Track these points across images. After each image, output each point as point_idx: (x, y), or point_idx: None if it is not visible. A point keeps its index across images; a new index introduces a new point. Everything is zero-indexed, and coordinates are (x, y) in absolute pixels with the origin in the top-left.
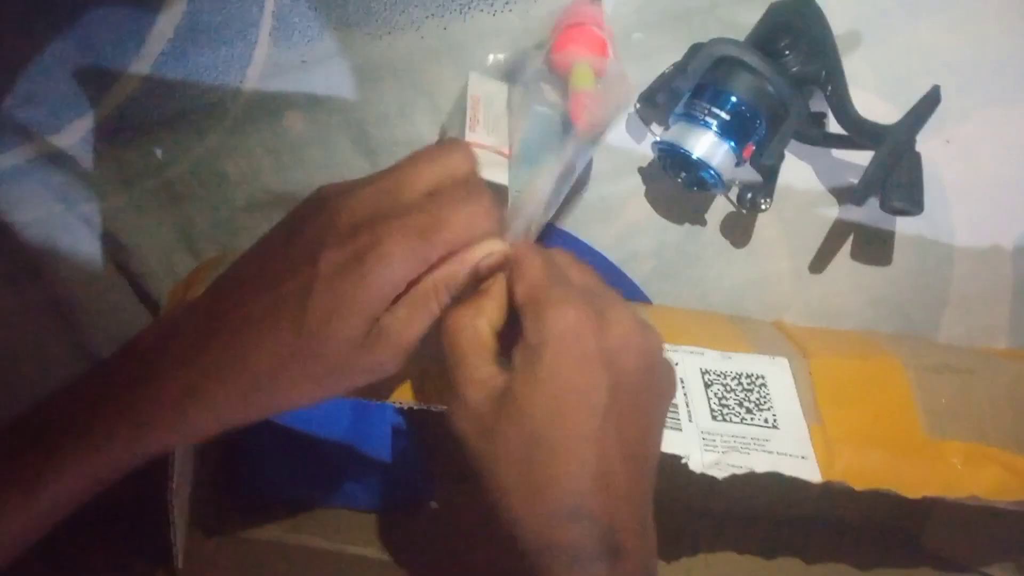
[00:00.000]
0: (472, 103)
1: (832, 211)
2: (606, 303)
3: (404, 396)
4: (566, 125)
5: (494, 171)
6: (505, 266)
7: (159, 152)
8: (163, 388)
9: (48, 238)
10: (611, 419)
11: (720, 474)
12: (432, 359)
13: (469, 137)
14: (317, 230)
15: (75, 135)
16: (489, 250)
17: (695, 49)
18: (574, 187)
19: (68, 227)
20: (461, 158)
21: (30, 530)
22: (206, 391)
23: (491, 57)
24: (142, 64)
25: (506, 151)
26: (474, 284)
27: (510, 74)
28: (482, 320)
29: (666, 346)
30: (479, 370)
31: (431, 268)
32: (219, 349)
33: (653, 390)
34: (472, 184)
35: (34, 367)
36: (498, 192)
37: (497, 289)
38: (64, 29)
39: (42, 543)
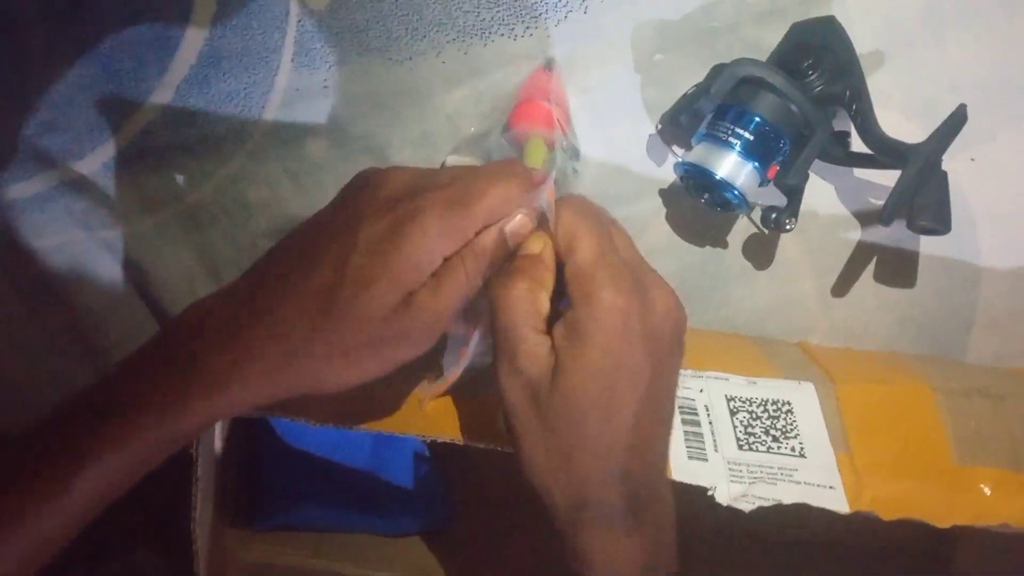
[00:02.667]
0: None
1: (856, 232)
2: (648, 281)
3: (427, 429)
4: None
5: None
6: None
7: (180, 178)
8: (198, 369)
9: (70, 263)
10: (651, 391)
11: (747, 507)
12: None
13: None
14: (357, 205)
15: (97, 162)
16: (521, 224)
17: (717, 69)
18: None
19: (90, 253)
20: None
21: (71, 520)
22: (240, 370)
23: (472, 130)
24: (164, 91)
25: None
26: (503, 254)
27: (479, 146)
28: (542, 292)
29: (691, 372)
30: (536, 343)
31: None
32: (253, 327)
33: (679, 357)
34: (510, 163)
35: (54, 393)
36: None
37: (551, 258)
38: (87, 56)
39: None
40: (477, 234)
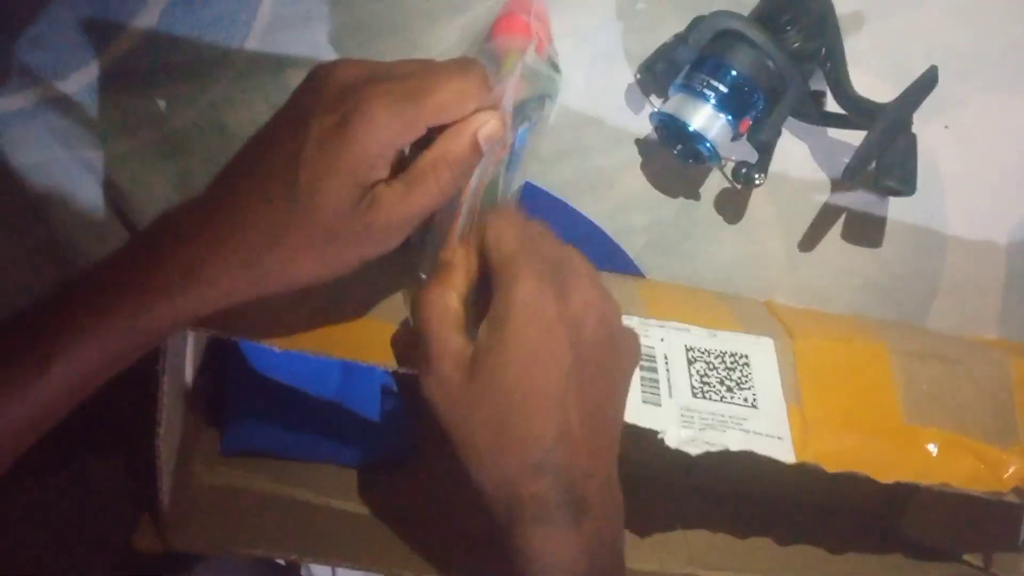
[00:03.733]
0: None
1: (826, 192)
2: (569, 274)
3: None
4: None
5: None
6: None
7: (162, 103)
8: (165, 265)
9: (49, 181)
10: (573, 380)
11: (694, 451)
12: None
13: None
14: (307, 99)
15: (80, 81)
16: (485, 120)
17: (697, 21)
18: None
19: (69, 171)
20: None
21: (42, 412)
22: (206, 266)
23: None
24: (149, 15)
25: None
26: (476, 161)
27: None
28: (451, 293)
29: (654, 321)
30: (449, 342)
31: (428, 142)
32: (217, 225)
33: (614, 354)
34: (468, 60)
35: None
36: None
37: (464, 261)
38: None
39: (27, 483)
40: (440, 133)
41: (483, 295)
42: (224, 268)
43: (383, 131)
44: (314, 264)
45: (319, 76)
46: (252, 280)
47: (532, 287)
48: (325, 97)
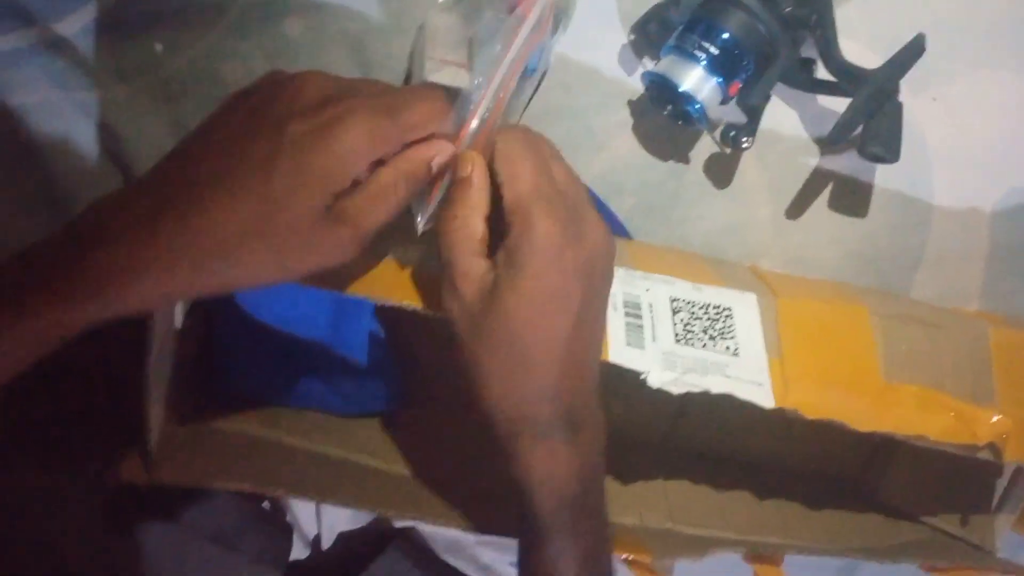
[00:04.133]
0: (431, 31)
1: (814, 159)
2: (583, 213)
3: (379, 292)
4: (514, 19)
5: (456, 76)
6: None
7: (158, 47)
8: (111, 248)
9: (45, 123)
10: (581, 317)
11: (676, 390)
12: (406, 260)
13: (429, 52)
14: (283, 103)
15: (77, 24)
16: (441, 148)
17: None
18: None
19: (65, 114)
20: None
21: None
22: (158, 257)
23: None
24: None
25: (466, 64)
26: (428, 181)
27: (463, 6)
28: (477, 216)
29: (640, 273)
30: (474, 265)
31: (389, 158)
32: (174, 214)
33: (608, 287)
34: (432, 86)
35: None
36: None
37: (481, 178)
38: None
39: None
40: (405, 148)
41: (497, 216)
42: (176, 262)
43: (362, 141)
44: (273, 268)
45: (290, 83)
46: (204, 275)
47: (551, 230)
48: (302, 103)
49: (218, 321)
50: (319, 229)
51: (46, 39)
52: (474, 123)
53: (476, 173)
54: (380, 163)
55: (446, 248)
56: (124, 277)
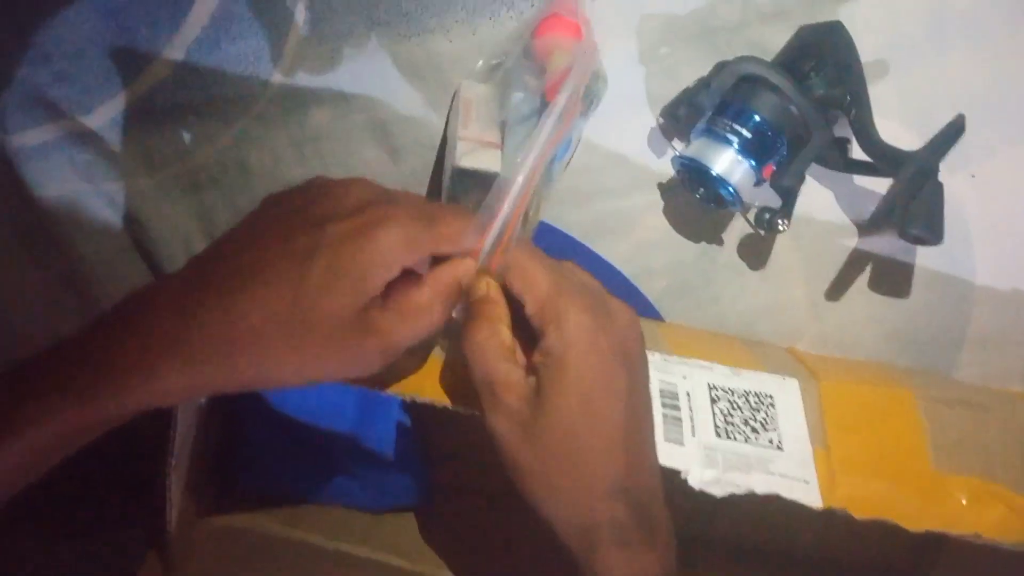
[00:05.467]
0: (464, 106)
1: (851, 239)
2: (605, 297)
3: (408, 390)
4: (543, 106)
5: (487, 159)
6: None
7: (186, 138)
8: (146, 345)
9: (71, 214)
10: (631, 402)
11: (718, 492)
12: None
13: (462, 133)
14: (326, 204)
15: (105, 116)
16: (469, 267)
17: (720, 66)
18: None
19: (91, 205)
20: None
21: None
22: (185, 349)
23: (480, 62)
24: (175, 50)
25: (498, 143)
26: (457, 302)
27: (498, 76)
28: (501, 327)
29: (676, 358)
30: (511, 376)
31: (425, 274)
32: (207, 304)
33: (646, 366)
34: (464, 207)
35: (48, 342)
36: (490, 182)
37: (497, 293)
38: (100, 11)
39: (33, 508)
40: (438, 266)
41: (519, 328)
42: (205, 354)
43: (398, 246)
44: (299, 370)
45: (336, 187)
46: (230, 370)
47: (584, 320)
48: (344, 206)
49: (241, 414)
50: (348, 335)
51: (74, 132)
52: (498, 224)
53: (492, 289)
54: (410, 272)
55: (480, 364)
56: (152, 367)
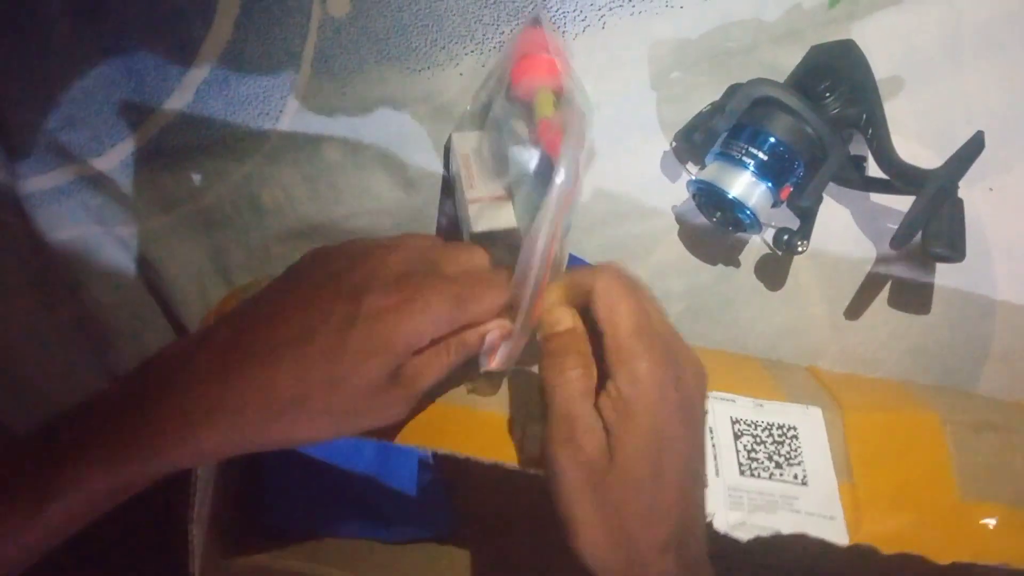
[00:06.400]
0: (463, 163)
1: (870, 257)
2: (679, 349)
3: (424, 440)
4: (543, 158)
5: (500, 217)
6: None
7: (196, 178)
8: (183, 407)
9: (84, 257)
10: (689, 457)
11: (744, 536)
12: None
13: (469, 195)
14: (364, 273)
15: (115, 159)
16: (495, 327)
17: (733, 89)
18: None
19: (103, 248)
20: (481, 254)
21: (38, 543)
22: (224, 412)
23: (467, 108)
24: (184, 92)
25: (507, 195)
26: (477, 351)
27: (484, 118)
28: (592, 368)
29: None
30: (594, 421)
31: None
32: (245, 370)
33: (705, 420)
34: (497, 275)
35: (61, 385)
36: (509, 236)
37: (583, 330)
38: (109, 54)
39: (60, 564)
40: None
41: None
42: (242, 418)
43: (432, 324)
44: (330, 429)
45: (373, 255)
46: (264, 432)
47: (656, 371)
48: (382, 276)
49: (262, 456)
50: (377, 395)
51: (85, 175)
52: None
53: (579, 323)
54: None
55: (565, 400)
56: (192, 432)
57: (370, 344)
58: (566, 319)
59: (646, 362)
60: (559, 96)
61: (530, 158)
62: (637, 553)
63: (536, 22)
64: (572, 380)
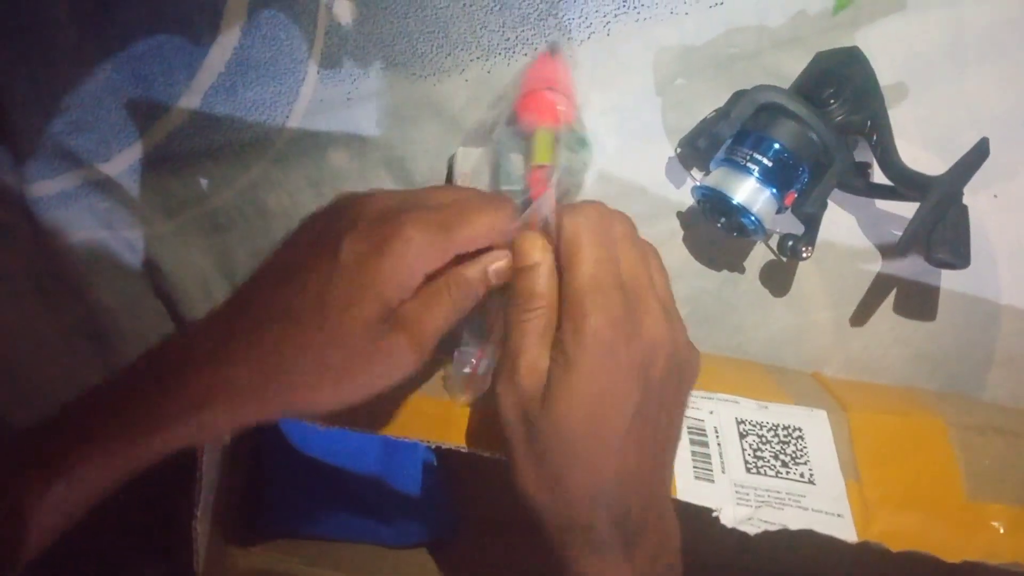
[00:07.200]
0: (463, 180)
1: (875, 263)
2: (642, 305)
3: (434, 436)
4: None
5: None
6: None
7: (203, 182)
8: (183, 384)
9: (90, 261)
10: (637, 421)
11: (752, 530)
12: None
13: None
14: (340, 225)
15: (123, 163)
16: (499, 257)
17: (738, 96)
18: None
19: (110, 251)
20: (470, 190)
21: (53, 520)
22: (225, 386)
23: (474, 120)
24: (192, 97)
25: None
26: (483, 290)
27: (487, 135)
28: (555, 312)
29: (701, 393)
30: (540, 361)
31: (448, 265)
32: (238, 343)
33: (676, 384)
34: (499, 197)
35: (67, 388)
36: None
37: (555, 271)
38: (116, 59)
39: (66, 560)
40: (460, 260)
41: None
42: (243, 393)
43: (417, 257)
44: (336, 391)
45: (350, 204)
46: (266, 401)
47: (603, 331)
48: (360, 224)
49: (266, 455)
50: (375, 340)
51: (93, 180)
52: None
53: (549, 260)
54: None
55: (518, 335)
56: (198, 405)
57: (351, 294)
58: (535, 252)
59: (594, 318)
60: (559, 139)
61: (515, 197)
62: (565, 498)
63: (555, 49)
64: (529, 319)
